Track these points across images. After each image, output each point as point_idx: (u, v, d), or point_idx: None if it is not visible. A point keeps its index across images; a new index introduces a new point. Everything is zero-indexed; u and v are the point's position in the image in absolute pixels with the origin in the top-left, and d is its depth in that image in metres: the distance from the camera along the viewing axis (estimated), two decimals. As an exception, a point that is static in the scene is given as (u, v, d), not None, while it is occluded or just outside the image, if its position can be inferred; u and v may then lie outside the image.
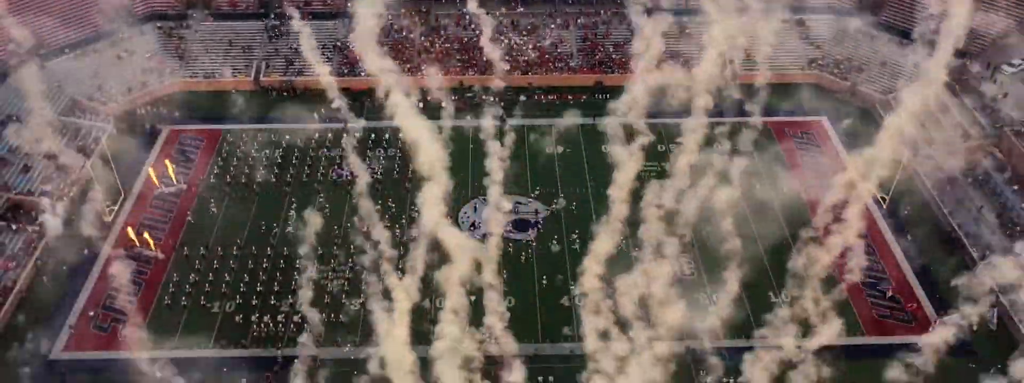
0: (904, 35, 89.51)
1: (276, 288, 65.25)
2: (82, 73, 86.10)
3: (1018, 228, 68.95)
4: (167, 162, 76.72)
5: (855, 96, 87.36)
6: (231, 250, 68.76)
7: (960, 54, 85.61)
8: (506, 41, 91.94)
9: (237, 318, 63.52)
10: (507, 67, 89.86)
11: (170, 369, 58.42)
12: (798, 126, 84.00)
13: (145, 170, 77.41)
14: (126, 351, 60.58)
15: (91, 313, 64.13)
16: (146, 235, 69.11)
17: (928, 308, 65.01)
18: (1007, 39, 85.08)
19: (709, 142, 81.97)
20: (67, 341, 62.25)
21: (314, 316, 61.28)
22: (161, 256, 69.11)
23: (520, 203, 74.55)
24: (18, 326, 62.52)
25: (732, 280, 64.12)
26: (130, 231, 69.22)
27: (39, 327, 62.49)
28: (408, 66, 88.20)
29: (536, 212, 73.70)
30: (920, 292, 66.22)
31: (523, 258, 68.96)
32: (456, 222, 72.15)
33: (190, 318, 63.63)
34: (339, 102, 75.22)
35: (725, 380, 59.04)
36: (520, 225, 72.35)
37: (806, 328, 62.61)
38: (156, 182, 75.88)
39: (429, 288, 62.33)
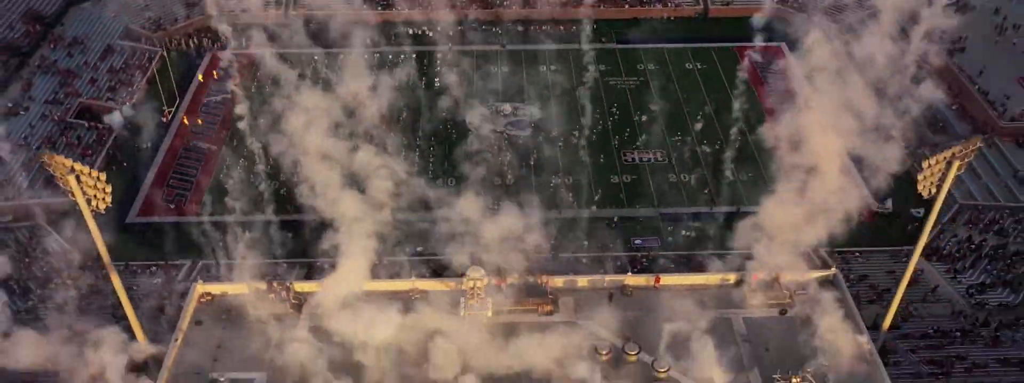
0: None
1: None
2: (135, 5, 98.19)
3: (940, 123, 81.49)
4: (215, 74, 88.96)
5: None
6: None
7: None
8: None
9: (282, 191, 75.34)
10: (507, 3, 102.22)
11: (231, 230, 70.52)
12: (759, 50, 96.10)
13: (194, 81, 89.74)
14: (187, 216, 72.92)
15: (158, 188, 76.35)
16: (201, 126, 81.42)
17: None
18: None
19: (683, 61, 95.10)
20: (139, 209, 74.49)
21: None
22: (214, 147, 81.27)
23: (518, 107, 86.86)
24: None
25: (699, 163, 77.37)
26: (185, 120, 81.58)
27: (117, 199, 74.25)
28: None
29: (530, 115, 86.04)
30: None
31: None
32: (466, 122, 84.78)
33: (242, 192, 75.38)
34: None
35: (687, 233, 71.21)
36: (518, 125, 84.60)
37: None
38: (204, 91, 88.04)
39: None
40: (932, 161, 40.26)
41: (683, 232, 71.49)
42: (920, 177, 40.71)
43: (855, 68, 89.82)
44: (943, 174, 40.51)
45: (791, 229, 44.64)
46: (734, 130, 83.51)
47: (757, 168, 78.75)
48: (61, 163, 38.65)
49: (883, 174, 49.28)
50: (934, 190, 41.35)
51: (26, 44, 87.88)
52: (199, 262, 68.19)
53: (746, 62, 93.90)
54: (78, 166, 38.88)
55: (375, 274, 48.00)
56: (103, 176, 39.35)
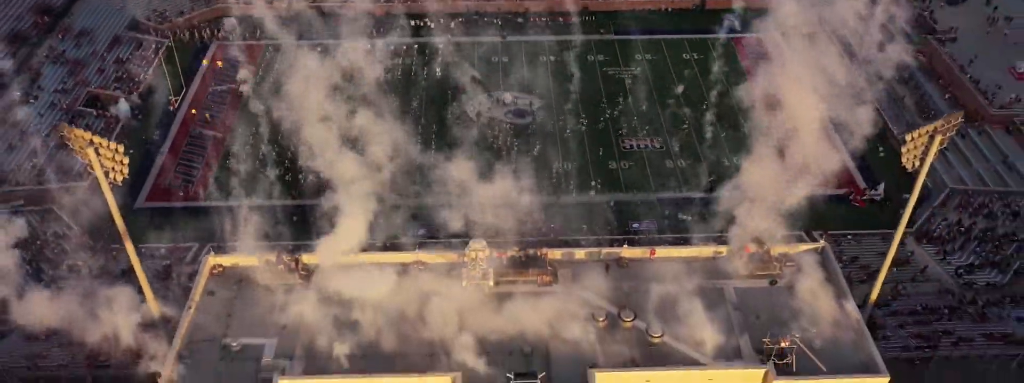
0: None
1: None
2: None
3: (932, 111, 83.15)
4: (219, 63, 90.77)
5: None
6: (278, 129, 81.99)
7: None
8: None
9: (286, 177, 77.18)
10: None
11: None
12: (754, 41, 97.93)
13: (201, 72, 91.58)
14: (194, 202, 74.69)
15: (165, 174, 78.11)
16: (207, 115, 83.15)
17: (858, 177, 79.01)
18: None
19: (680, 52, 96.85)
20: (147, 194, 76.26)
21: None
22: (219, 135, 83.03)
23: (518, 97, 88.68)
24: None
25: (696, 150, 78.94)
26: (194, 111, 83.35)
27: (126, 185, 75.93)
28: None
29: (530, 103, 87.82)
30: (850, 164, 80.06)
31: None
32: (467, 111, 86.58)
33: (248, 178, 77.09)
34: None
35: (683, 217, 72.82)
36: (519, 113, 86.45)
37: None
38: (211, 80, 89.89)
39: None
40: (915, 135, 41.93)
41: (680, 216, 73.12)
42: (904, 150, 42.38)
43: (843, 50, 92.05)
44: (926, 148, 42.19)
45: (772, 191, 46.67)
46: (729, 115, 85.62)
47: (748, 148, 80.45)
48: (80, 136, 40.33)
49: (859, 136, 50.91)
50: (917, 163, 43.01)
51: (35, 35, 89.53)
52: (207, 245, 69.80)
53: (740, 51, 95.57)
54: (97, 139, 40.54)
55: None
56: (121, 148, 41.01)
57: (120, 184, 43.08)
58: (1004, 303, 62.44)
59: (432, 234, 67.39)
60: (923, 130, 41.80)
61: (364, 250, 49.01)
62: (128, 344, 46.08)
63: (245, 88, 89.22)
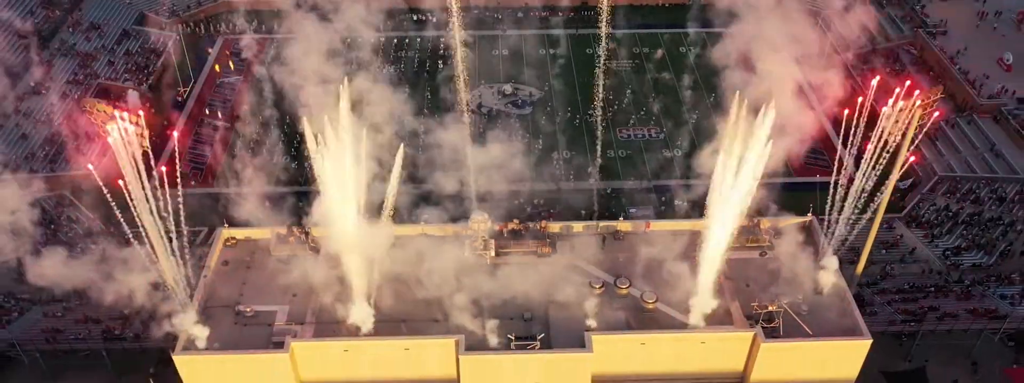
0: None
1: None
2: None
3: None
4: (228, 57, 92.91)
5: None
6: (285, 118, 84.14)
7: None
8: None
9: (293, 165, 79.24)
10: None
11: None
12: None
13: (208, 64, 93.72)
14: (203, 188, 76.71)
15: (176, 160, 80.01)
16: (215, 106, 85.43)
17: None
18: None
19: (677, 45, 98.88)
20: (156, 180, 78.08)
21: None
22: (227, 125, 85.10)
23: (518, 88, 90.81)
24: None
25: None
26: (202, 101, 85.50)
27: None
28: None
29: (530, 94, 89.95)
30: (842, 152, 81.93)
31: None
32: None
33: (255, 165, 79.05)
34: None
35: (680, 203, 74.74)
36: (519, 104, 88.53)
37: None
38: (218, 72, 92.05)
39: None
40: (896, 110, 43.98)
41: (676, 202, 75.02)
42: (886, 125, 44.42)
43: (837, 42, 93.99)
44: (908, 123, 44.25)
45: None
46: (723, 103, 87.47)
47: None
48: (103, 110, 42.39)
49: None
50: (899, 137, 45.05)
51: (46, 28, 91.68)
52: (216, 229, 71.69)
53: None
54: (118, 111, 42.60)
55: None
56: (141, 121, 42.98)
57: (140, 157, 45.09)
58: (989, 281, 64.38)
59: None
60: (904, 105, 43.84)
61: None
62: (142, 316, 48.08)
63: (251, 80, 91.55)
